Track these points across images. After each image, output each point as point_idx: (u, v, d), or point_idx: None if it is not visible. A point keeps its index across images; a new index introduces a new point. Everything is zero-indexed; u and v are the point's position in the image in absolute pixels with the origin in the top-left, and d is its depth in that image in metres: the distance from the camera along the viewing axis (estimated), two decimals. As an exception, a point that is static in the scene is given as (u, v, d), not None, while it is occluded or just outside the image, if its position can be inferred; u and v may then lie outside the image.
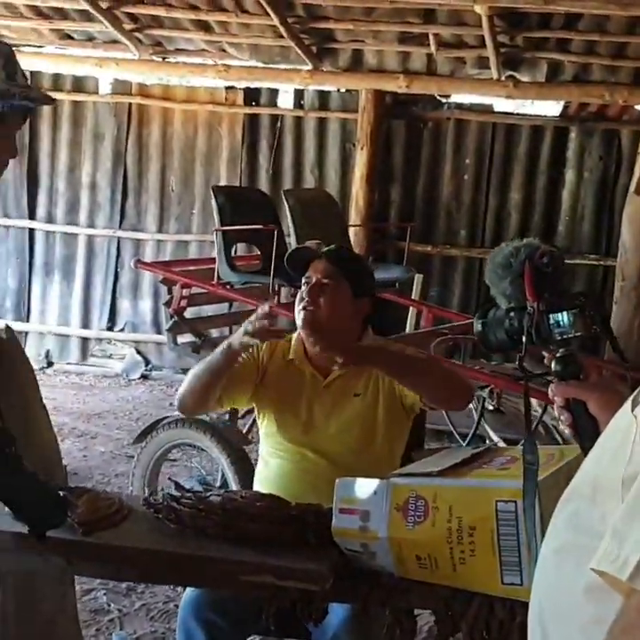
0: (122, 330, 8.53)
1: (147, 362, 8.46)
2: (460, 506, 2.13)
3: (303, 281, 2.86)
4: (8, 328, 2.51)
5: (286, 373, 2.92)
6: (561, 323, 1.64)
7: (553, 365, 1.64)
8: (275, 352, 2.95)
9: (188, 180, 8.25)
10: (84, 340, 8.56)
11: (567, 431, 1.64)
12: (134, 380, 8.31)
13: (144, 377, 8.37)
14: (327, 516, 2.33)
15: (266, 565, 2.26)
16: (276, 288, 4.39)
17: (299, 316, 2.82)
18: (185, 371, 7.98)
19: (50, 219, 8.47)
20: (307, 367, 2.89)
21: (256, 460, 4.65)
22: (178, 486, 2.58)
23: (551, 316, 1.64)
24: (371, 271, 3.07)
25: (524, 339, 1.61)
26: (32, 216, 8.44)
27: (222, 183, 8.02)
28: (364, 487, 2.26)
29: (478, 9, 5.29)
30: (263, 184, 7.99)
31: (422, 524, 2.16)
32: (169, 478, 2.62)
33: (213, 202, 4.77)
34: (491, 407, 4.88)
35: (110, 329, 8.53)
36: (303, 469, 2.84)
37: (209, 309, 5.73)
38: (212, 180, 8.13)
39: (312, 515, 2.41)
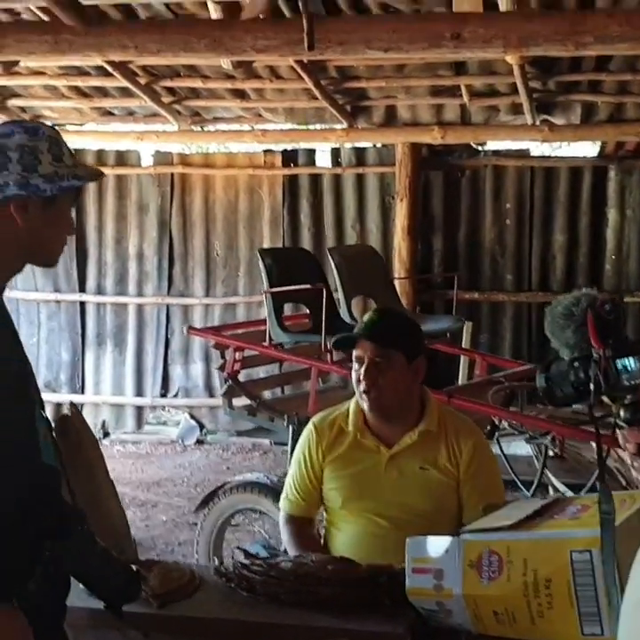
0: (175, 396, 8.60)
1: (201, 426, 8.50)
2: (534, 559, 2.11)
3: (354, 360, 2.87)
4: (72, 404, 2.55)
5: (347, 446, 2.91)
6: (628, 368, 1.63)
7: (622, 413, 1.64)
8: (329, 434, 2.93)
9: (232, 243, 8.37)
10: (139, 409, 8.64)
11: (641, 477, 1.63)
12: (190, 445, 8.35)
13: (199, 442, 8.41)
14: (400, 576, 2.32)
15: (342, 629, 2.25)
16: (328, 346, 4.42)
17: (362, 400, 2.84)
18: (239, 433, 8.14)
19: (99, 290, 8.62)
20: (369, 438, 2.88)
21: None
22: (247, 554, 2.59)
23: (618, 361, 1.63)
24: (417, 329, 3.04)
25: (591, 387, 1.61)
26: (82, 289, 8.59)
27: (266, 244, 8.14)
28: (436, 545, 2.26)
29: (509, 59, 5.34)
30: (306, 242, 8.09)
31: (497, 579, 2.14)
32: (237, 547, 2.63)
33: (261, 264, 4.83)
34: (551, 453, 4.83)
35: (163, 396, 8.61)
36: (371, 534, 2.84)
37: (259, 371, 5.77)
38: (255, 241, 8.26)
39: (384, 575, 2.40)
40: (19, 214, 1.94)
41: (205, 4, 5.04)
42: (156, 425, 8.71)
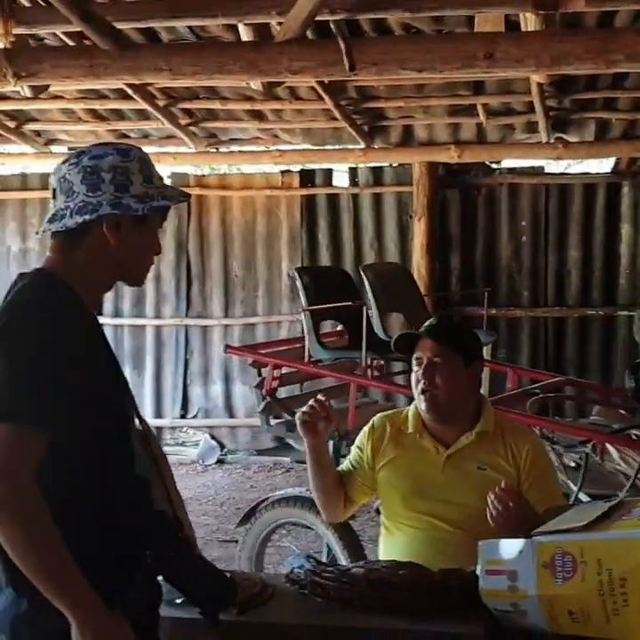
0: (195, 416, 8.64)
1: (221, 446, 8.55)
2: (608, 558, 2.16)
3: (414, 362, 2.96)
4: (142, 419, 2.61)
5: (405, 447, 2.98)
6: None
7: None
8: (385, 433, 3.01)
9: (249, 264, 8.45)
10: (158, 430, 8.66)
11: None
12: (210, 465, 8.39)
13: (220, 462, 8.45)
14: (470, 578, 2.38)
15: (420, 631, 2.31)
16: (369, 362, 4.49)
17: (419, 400, 2.92)
18: (259, 452, 8.19)
19: (117, 313, 8.67)
20: (427, 439, 2.95)
21: (358, 531, 4.72)
22: (318, 562, 2.65)
23: None
24: (475, 335, 3.14)
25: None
26: (99, 311, 8.60)
27: (284, 264, 8.25)
28: (509, 547, 2.31)
29: (537, 78, 5.43)
30: (324, 262, 8.18)
31: (572, 579, 2.19)
32: (308, 555, 2.68)
33: (298, 283, 4.92)
34: (572, 463, 4.88)
35: (183, 416, 8.65)
36: (431, 537, 2.88)
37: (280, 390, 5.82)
38: (273, 262, 8.36)
39: (455, 579, 2.45)
40: (111, 233, 2.02)
41: (231, 27, 5.14)
42: (175, 446, 8.74)
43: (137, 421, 2.14)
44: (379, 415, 3.10)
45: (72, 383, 1.89)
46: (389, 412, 3.14)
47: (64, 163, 2.05)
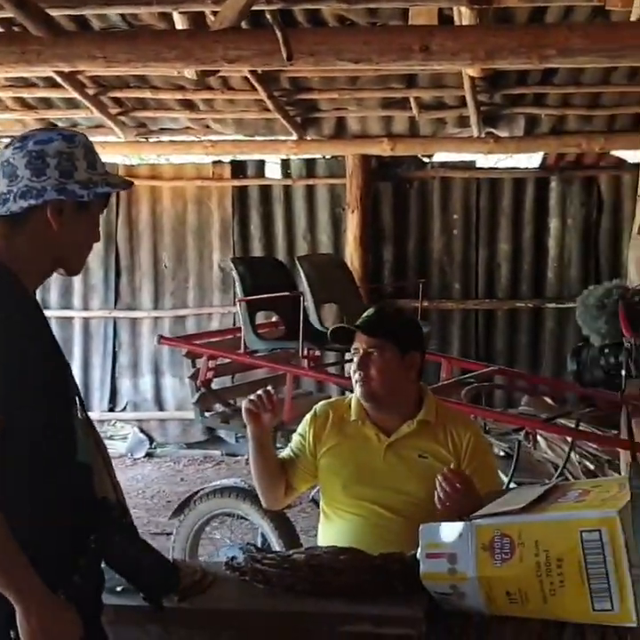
0: (123, 409, 8.55)
1: (150, 440, 8.48)
2: (545, 539, 2.21)
3: (352, 352, 2.99)
4: (82, 408, 2.58)
5: (347, 435, 2.99)
6: (657, 355, 1.75)
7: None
8: (327, 420, 3.02)
9: (180, 255, 8.38)
10: (87, 423, 8.54)
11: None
12: (139, 459, 8.32)
13: (149, 455, 8.38)
14: (410, 563, 2.41)
15: (362, 614, 2.32)
16: (306, 352, 4.50)
17: (356, 389, 2.94)
18: (189, 445, 8.14)
19: (43, 304, 8.39)
20: (369, 427, 2.97)
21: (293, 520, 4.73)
22: (259, 549, 2.65)
23: (647, 348, 1.74)
24: (414, 326, 3.15)
25: (623, 373, 1.72)
26: (27, 303, 8.47)
27: (216, 255, 8.22)
28: (449, 531, 2.34)
29: (471, 72, 5.50)
30: (256, 253, 8.15)
31: (510, 560, 2.23)
32: (248, 543, 2.68)
33: (234, 273, 4.90)
34: (502, 453, 4.97)
35: (111, 410, 8.55)
36: (371, 523, 2.89)
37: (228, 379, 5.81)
38: (205, 253, 8.31)
39: (396, 563, 2.48)
40: (54, 218, 2.00)
41: (165, 15, 5.10)
42: (103, 439, 8.63)
43: (79, 406, 2.12)
44: (321, 403, 3.11)
45: (14, 368, 1.87)
46: (332, 399, 3.17)
47: (7, 147, 2.03)
